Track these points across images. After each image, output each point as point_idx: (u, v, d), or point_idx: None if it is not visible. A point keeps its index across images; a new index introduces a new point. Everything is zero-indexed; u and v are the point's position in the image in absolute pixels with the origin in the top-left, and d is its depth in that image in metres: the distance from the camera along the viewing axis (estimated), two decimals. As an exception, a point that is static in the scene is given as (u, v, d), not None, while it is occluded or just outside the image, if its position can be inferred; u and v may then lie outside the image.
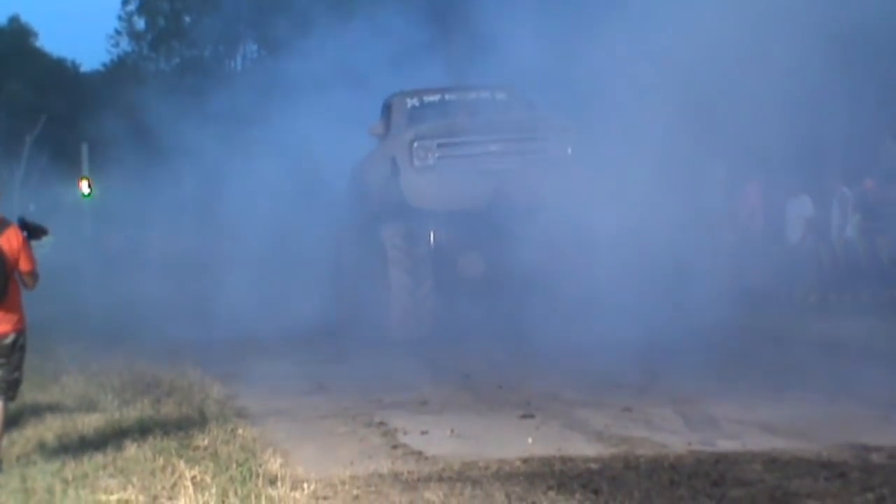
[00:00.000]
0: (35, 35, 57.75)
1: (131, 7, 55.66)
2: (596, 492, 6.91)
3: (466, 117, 15.73)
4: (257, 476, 7.28)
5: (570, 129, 15.08)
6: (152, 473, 7.48)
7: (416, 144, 14.95)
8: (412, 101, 16.88)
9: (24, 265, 7.80)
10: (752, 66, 14.36)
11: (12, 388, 7.89)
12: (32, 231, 7.90)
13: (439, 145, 14.98)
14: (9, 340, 7.80)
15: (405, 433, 8.90)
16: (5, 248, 7.66)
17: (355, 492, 7.05)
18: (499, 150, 15.05)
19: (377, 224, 15.90)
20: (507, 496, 6.82)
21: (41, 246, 8.42)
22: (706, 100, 14.30)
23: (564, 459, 7.76)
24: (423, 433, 8.88)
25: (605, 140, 14.56)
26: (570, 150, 14.93)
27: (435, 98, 16.92)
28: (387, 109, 17.09)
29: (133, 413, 9.95)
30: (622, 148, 14.14)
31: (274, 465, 7.66)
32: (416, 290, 14.79)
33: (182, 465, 7.59)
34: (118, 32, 56.49)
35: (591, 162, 14.53)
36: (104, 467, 7.77)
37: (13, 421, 8.90)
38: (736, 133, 15.22)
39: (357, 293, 16.73)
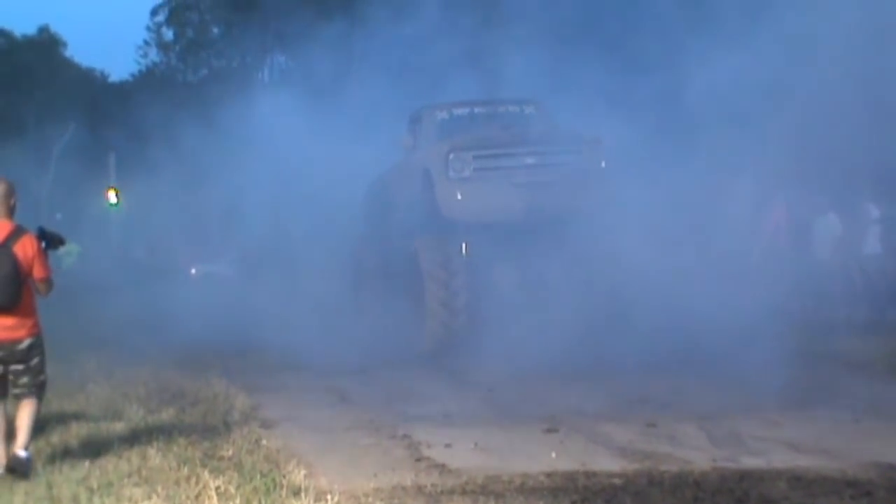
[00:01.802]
0: (64, 45, 58.17)
1: (160, 18, 55.99)
2: (619, 507, 6.91)
3: (501, 130, 15.65)
4: (281, 487, 7.29)
5: (604, 142, 14.97)
6: (177, 483, 7.50)
7: (452, 156, 14.79)
8: (442, 114, 16.79)
9: (38, 273, 7.98)
10: (780, 83, 14.34)
11: (40, 389, 8.12)
12: (50, 240, 8.07)
13: (475, 157, 14.85)
14: (24, 345, 7.98)
15: (429, 446, 8.91)
16: (20, 255, 7.84)
17: (379, 504, 7.06)
18: (534, 163, 14.92)
19: (407, 237, 15.79)
20: (531, 510, 6.82)
21: (67, 255, 8.58)
22: (735, 117, 14.28)
23: (588, 474, 7.75)
24: (447, 446, 8.88)
25: (637, 154, 14.53)
26: (603, 164, 14.82)
27: (464, 111, 16.85)
28: (415, 122, 17.02)
29: (158, 422, 9.99)
30: (653, 163, 14.11)
31: (298, 476, 7.67)
32: (451, 305, 14.62)
33: (206, 475, 7.61)
34: (147, 43, 56.87)
35: (624, 175, 14.46)
36: (129, 476, 7.80)
37: (39, 429, 8.94)
38: (764, 150, 15.17)
39: (379, 305, 16.68)
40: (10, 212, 7.98)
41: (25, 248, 7.87)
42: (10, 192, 7.99)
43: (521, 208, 14.51)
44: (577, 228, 14.06)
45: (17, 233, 7.89)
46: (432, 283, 14.75)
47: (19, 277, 7.81)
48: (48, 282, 8.08)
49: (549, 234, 14.31)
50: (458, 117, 16.68)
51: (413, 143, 16.65)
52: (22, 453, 7.92)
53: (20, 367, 7.97)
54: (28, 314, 7.99)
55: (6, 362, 7.95)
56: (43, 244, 8.03)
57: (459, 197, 14.76)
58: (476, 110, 16.84)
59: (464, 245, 15.00)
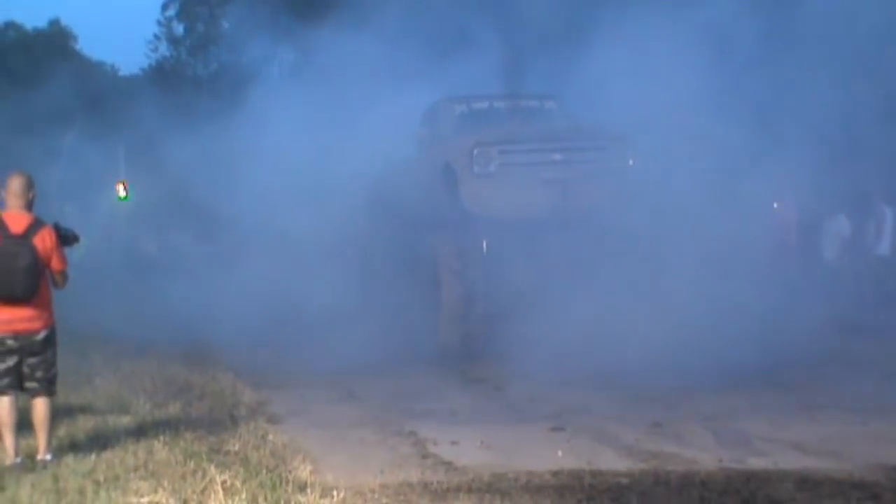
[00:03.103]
0: (75, 38, 58.19)
1: (171, 12, 55.96)
2: (625, 507, 6.90)
3: (526, 124, 15.32)
4: (287, 482, 7.30)
5: (631, 139, 14.68)
6: (183, 477, 7.51)
7: (476, 150, 14.29)
8: (460, 107, 16.33)
9: (55, 265, 8.11)
10: (791, 82, 14.29)
11: (52, 383, 8.21)
12: (65, 237, 8.16)
13: (500, 152, 14.35)
14: (41, 336, 8.09)
15: (435, 443, 8.91)
16: (39, 247, 7.96)
17: (384, 500, 7.07)
18: (560, 159, 14.61)
19: (423, 233, 15.53)
20: (536, 509, 6.82)
21: (76, 248, 8.63)
22: (746, 117, 14.21)
23: (594, 473, 7.75)
24: (454, 443, 8.89)
25: (661, 153, 14.36)
26: (630, 161, 14.51)
27: (483, 105, 16.40)
28: (432, 115, 16.58)
29: (164, 416, 10.02)
30: (677, 162, 13.98)
31: (304, 471, 7.69)
32: (469, 305, 14.33)
33: (212, 469, 7.62)
34: (157, 37, 56.81)
35: (651, 173, 14.26)
36: (135, 469, 7.82)
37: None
38: (775, 150, 15.10)
39: (387, 302, 16.55)
40: (30, 204, 8.15)
41: (45, 240, 8.01)
42: (29, 185, 8.13)
43: (547, 205, 14.14)
44: (602, 226, 13.87)
45: (36, 225, 8.03)
46: (451, 284, 14.48)
47: (38, 269, 7.94)
48: (65, 274, 8.21)
49: (572, 230, 14.06)
50: (477, 111, 16.36)
51: (429, 137, 16.20)
52: (48, 458, 8.07)
53: (35, 359, 8.09)
54: (44, 306, 8.13)
55: (23, 354, 8.04)
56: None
57: (484, 193, 14.26)
58: (495, 104, 16.45)
59: (484, 242, 14.74)
